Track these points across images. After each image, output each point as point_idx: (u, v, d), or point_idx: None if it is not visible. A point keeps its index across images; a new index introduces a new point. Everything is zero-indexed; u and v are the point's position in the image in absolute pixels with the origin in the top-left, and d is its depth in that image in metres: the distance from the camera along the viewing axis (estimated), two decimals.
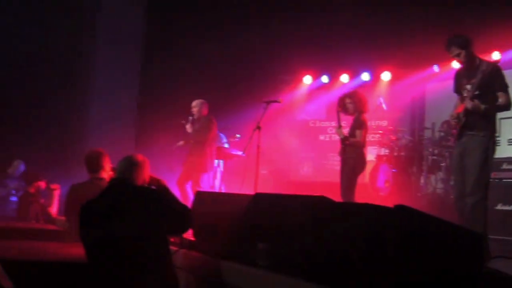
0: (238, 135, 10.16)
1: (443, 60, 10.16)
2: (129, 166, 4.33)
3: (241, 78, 11.94)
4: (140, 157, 4.42)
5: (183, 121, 9.02)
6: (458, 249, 3.31)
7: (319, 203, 4.12)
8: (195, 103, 9.05)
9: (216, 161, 9.52)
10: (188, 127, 9.00)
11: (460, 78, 5.91)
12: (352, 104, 7.66)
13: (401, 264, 3.07)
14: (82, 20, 11.38)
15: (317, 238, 3.81)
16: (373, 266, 3.15)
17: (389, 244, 3.08)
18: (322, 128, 12.50)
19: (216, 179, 9.55)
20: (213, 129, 9.02)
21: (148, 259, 4.00)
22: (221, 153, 9.57)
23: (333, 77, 12.26)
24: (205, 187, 9.05)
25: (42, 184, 7.73)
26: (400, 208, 3.16)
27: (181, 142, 9.14)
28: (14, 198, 8.58)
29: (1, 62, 10.59)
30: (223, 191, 9.29)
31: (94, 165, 5.71)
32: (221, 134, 10.24)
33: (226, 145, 10.16)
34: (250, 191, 6.54)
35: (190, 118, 9.00)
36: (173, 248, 4.66)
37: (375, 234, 3.24)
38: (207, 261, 4.56)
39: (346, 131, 7.68)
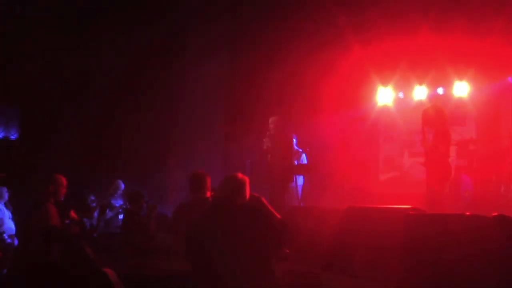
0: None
1: None
2: (231, 186, 4.42)
3: (328, 96, 11.91)
4: (240, 176, 4.51)
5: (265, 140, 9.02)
6: None
7: (412, 214, 4.11)
8: (272, 119, 9.08)
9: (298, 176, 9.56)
10: (265, 145, 8.99)
11: None
12: (435, 117, 7.59)
13: (504, 271, 3.03)
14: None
15: (415, 248, 3.80)
16: (478, 274, 3.13)
17: (492, 252, 3.05)
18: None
19: (298, 194, 9.55)
20: (292, 142, 9.05)
21: (253, 272, 4.08)
22: (303, 169, 9.60)
23: (408, 92, 12.11)
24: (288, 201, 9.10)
25: (142, 203, 7.98)
26: (501, 218, 3.13)
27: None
28: (121, 216, 8.84)
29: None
30: (302, 205, 9.30)
31: (198, 185, 5.83)
32: (300, 150, 10.26)
33: (304, 161, 10.16)
34: (333, 205, 6.56)
35: (268, 133, 9.01)
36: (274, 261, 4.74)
37: (476, 243, 3.22)
38: (307, 273, 4.60)
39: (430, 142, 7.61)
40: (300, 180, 9.79)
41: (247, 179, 4.52)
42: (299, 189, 9.71)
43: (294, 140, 9.71)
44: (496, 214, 3.13)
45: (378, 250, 4.18)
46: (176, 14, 11.76)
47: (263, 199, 4.64)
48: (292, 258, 5.08)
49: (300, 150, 10.24)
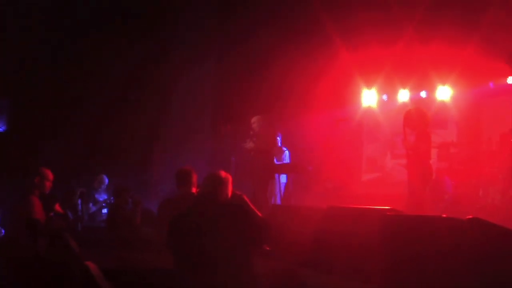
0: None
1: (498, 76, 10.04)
2: (213, 183, 4.45)
3: (314, 96, 11.95)
4: (223, 174, 4.53)
5: (247, 140, 9.05)
6: None
7: (389, 215, 4.14)
8: (254, 119, 9.12)
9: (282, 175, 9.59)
10: (248, 143, 9.03)
11: None
12: (416, 119, 7.65)
13: (477, 275, 3.07)
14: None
15: (391, 248, 3.84)
16: (449, 276, 3.17)
17: (464, 255, 3.09)
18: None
19: (280, 192, 9.57)
20: (274, 140, 9.08)
21: (231, 268, 4.11)
22: (288, 167, 9.63)
23: (392, 94, 12.20)
24: (271, 199, 9.13)
25: (127, 197, 7.96)
26: (474, 221, 3.17)
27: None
28: (105, 211, 8.82)
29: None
30: (283, 204, 9.32)
31: (184, 180, 5.86)
32: (284, 149, 10.28)
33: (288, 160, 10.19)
34: (315, 204, 6.59)
35: (251, 133, 9.05)
36: (254, 257, 4.76)
37: (449, 245, 3.26)
38: (286, 270, 4.63)
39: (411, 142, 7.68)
40: (283, 178, 9.81)
41: (229, 177, 4.55)
42: (282, 187, 9.73)
43: (278, 138, 9.75)
44: (470, 217, 3.16)
45: (357, 249, 4.21)
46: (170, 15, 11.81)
47: (245, 197, 4.66)
48: (272, 256, 5.10)
49: (284, 149, 10.27)
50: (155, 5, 11.39)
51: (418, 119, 7.67)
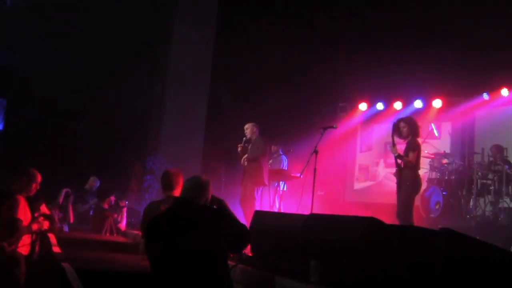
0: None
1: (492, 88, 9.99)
2: (193, 186, 4.36)
3: (301, 104, 11.94)
4: (203, 178, 4.45)
5: (239, 145, 9.05)
6: (504, 273, 3.19)
7: (369, 224, 4.06)
8: (247, 125, 9.11)
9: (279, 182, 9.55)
10: (240, 148, 9.01)
11: None
12: (406, 128, 7.59)
13: (446, 286, 2.99)
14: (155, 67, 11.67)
15: (366, 258, 3.75)
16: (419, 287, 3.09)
17: (434, 266, 3.01)
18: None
19: (275, 200, 9.51)
20: (265, 147, 9.02)
21: (207, 273, 4.02)
22: (281, 175, 9.57)
23: (388, 105, 12.16)
24: (264, 206, 9.04)
25: (112, 200, 7.89)
26: (446, 232, 3.08)
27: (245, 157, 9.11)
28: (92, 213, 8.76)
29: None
30: (282, 211, 9.24)
31: (169, 183, 5.76)
32: (283, 157, 10.24)
33: (285, 168, 10.13)
34: (307, 211, 6.51)
35: (244, 139, 9.04)
36: (231, 263, 4.69)
37: (422, 256, 3.18)
38: (262, 277, 4.55)
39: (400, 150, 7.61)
40: (281, 186, 9.77)
41: (209, 181, 4.46)
42: (274, 194, 9.66)
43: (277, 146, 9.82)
44: (441, 227, 3.08)
45: (334, 258, 4.12)
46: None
47: (225, 202, 4.58)
48: (250, 262, 5.03)
49: (283, 156, 10.22)
50: None
51: (409, 128, 7.60)
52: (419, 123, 7.83)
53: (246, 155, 8.89)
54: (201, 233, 4.06)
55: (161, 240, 4.10)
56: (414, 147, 7.47)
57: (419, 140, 7.68)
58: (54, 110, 10.85)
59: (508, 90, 10.37)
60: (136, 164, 10.46)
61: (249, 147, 8.96)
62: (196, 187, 4.37)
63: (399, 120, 7.81)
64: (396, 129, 7.70)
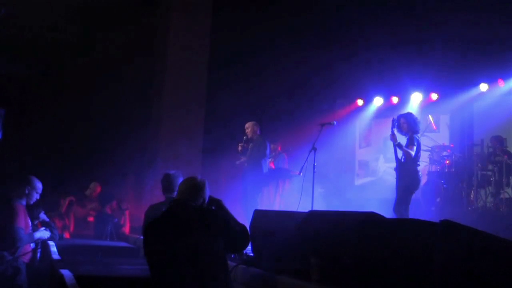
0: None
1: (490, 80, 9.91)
2: (189, 188, 4.28)
3: (300, 102, 11.87)
4: (198, 178, 4.37)
5: (240, 144, 8.98)
6: (507, 264, 3.09)
7: (369, 219, 3.98)
8: (248, 124, 9.02)
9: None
10: (240, 147, 8.92)
11: None
12: (406, 124, 7.50)
13: (448, 279, 2.90)
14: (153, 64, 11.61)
15: (366, 253, 3.67)
16: (421, 281, 3.00)
17: (436, 259, 2.92)
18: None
19: (275, 198, 9.44)
20: (266, 146, 8.94)
21: (207, 274, 3.94)
22: (280, 173, 9.50)
23: (386, 99, 12.09)
24: (264, 205, 8.96)
25: (113, 205, 7.81)
26: (446, 223, 2.99)
27: (242, 158, 9.06)
28: (92, 218, 8.68)
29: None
30: (282, 209, 9.16)
31: (170, 186, 5.69)
32: (282, 155, 10.17)
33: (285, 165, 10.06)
34: (307, 209, 6.42)
35: (244, 138, 8.96)
36: (232, 263, 4.60)
37: (422, 249, 3.09)
38: (263, 276, 4.47)
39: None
40: (281, 184, 9.69)
41: (205, 181, 4.37)
42: (274, 192, 9.59)
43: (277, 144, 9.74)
44: (442, 220, 2.99)
45: (333, 254, 4.04)
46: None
47: (223, 202, 4.50)
48: (251, 261, 4.95)
49: (283, 154, 10.15)
50: None
51: (408, 123, 7.52)
52: (419, 119, 7.76)
53: (246, 155, 8.81)
54: (199, 234, 3.99)
55: (159, 243, 4.03)
56: (413, 142, 7.38)
57: (419, 136, 7.59)
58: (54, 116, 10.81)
59: (504, 81, 10.30)
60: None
61: (250, 146, 8.88)
62: (191, 188, 4.29)
63: (400, 116, 7.73)
64: (397, 125, 7.62)
